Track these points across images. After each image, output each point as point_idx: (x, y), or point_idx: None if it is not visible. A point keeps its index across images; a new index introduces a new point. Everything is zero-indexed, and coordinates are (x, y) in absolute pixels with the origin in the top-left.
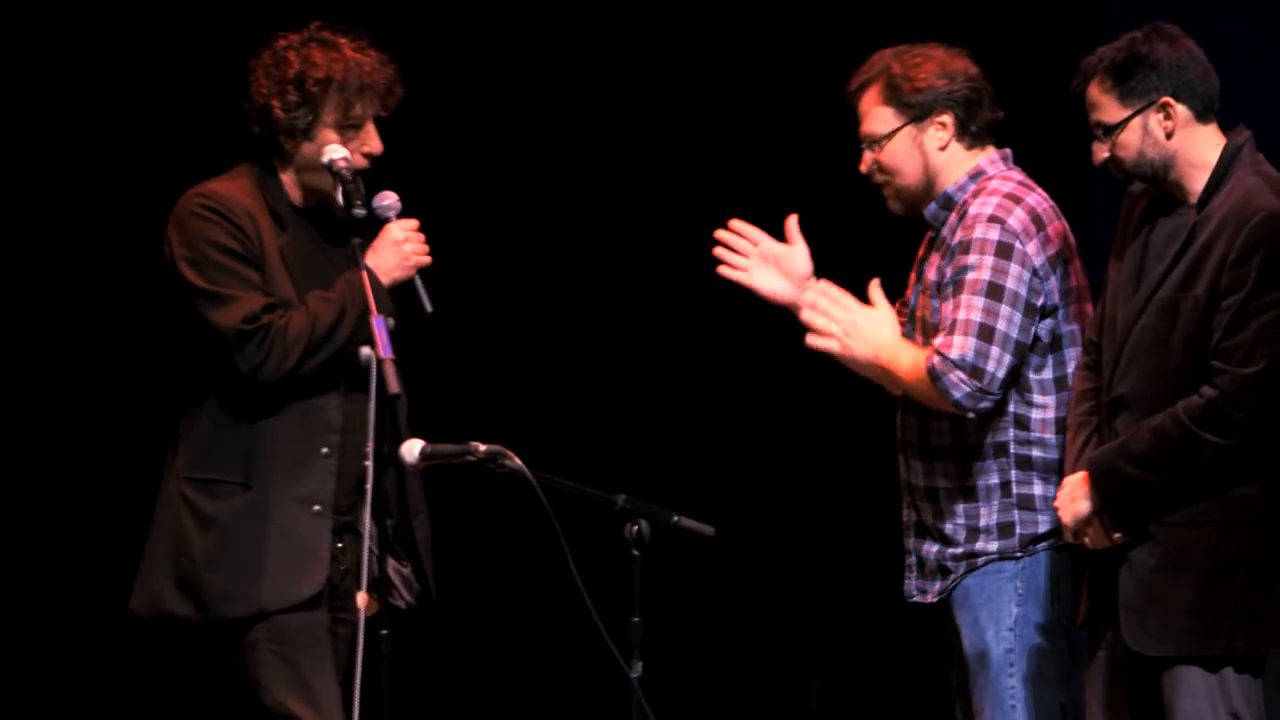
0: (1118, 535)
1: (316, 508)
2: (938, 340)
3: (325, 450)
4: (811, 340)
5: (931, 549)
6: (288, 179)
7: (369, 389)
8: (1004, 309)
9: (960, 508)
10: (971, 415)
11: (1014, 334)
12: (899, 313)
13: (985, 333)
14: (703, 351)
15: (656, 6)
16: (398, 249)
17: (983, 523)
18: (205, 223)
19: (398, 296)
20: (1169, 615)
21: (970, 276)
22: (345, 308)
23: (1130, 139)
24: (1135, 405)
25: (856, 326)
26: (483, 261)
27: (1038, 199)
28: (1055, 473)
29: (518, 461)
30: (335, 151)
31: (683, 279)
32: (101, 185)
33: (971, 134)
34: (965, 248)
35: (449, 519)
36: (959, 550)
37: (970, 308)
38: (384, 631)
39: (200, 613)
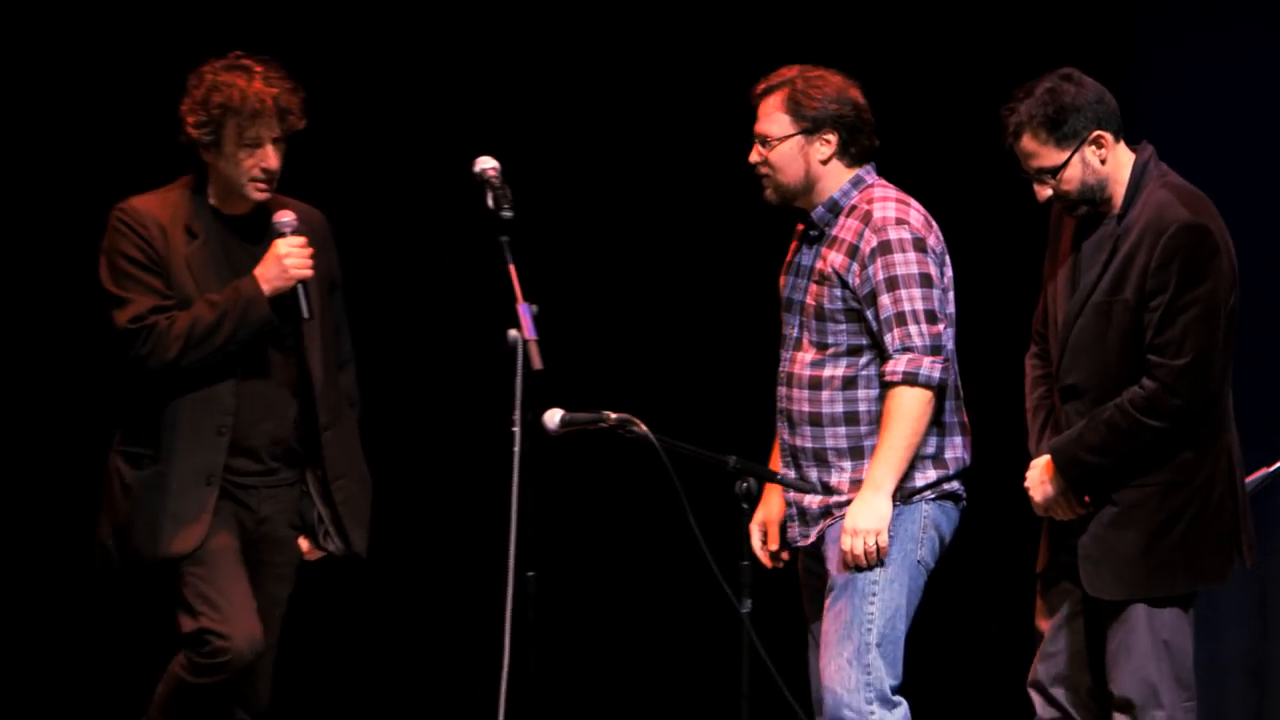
0: (1081, 510)
1: (209, 477)
2: (889, 336)
3: (221, 429)
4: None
5: (814, 500)
6: (213, 188)
7: (517, 367)
8: (935, 293)
9: (848, 464)
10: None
11: (944, 310)
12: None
13: (931, 316)
14: None
15: (667, 8)
16: (279, 263)
17: (866, 475)
18: (118, 234)
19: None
20: (1120, 564)
21: (902, 273)
22: (226, 311)
23: (1073, 174)
24: (1085, 393)
25: (857, 519)
26: (607, 252)
27: (917, 204)
28: (932, 434)
29: (644, 428)
30: (485, 162)
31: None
32: (54, 194)
33: (850, 154)
34: (887, 248)
35: (584, 479)
36: (844, 498)
37: (912, 299)
38: (530, 573)
39: (126, 562)
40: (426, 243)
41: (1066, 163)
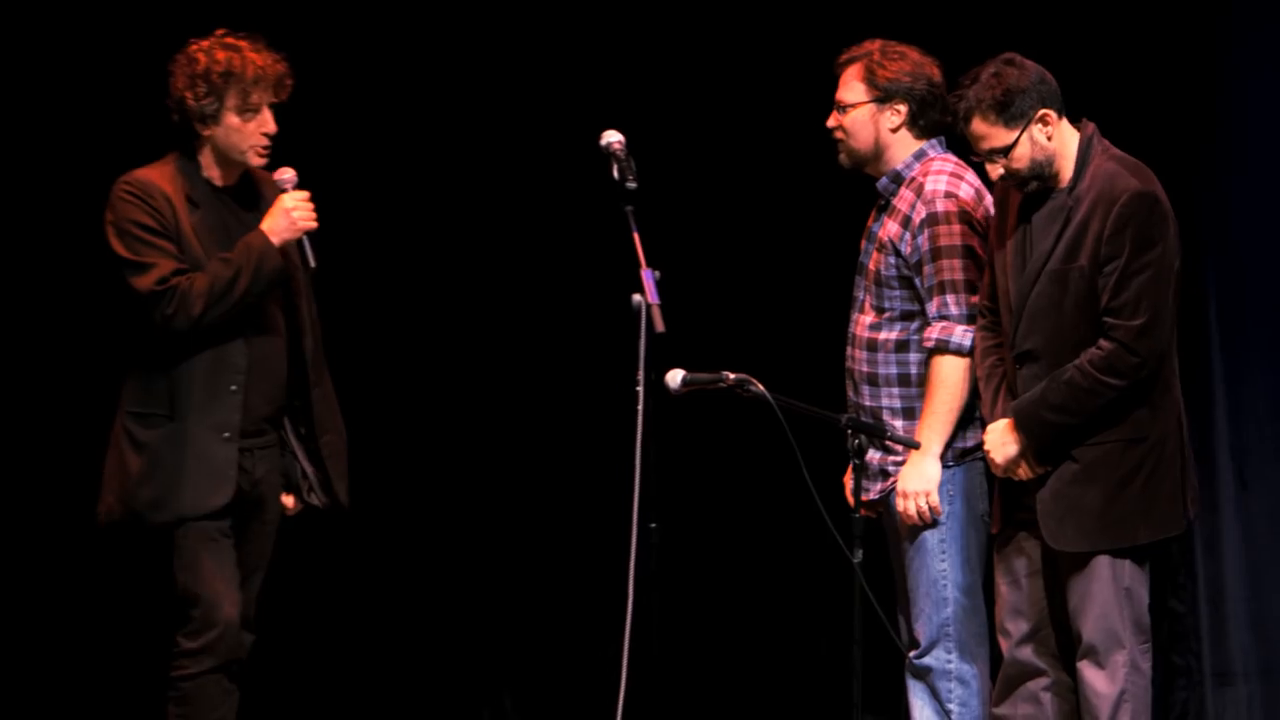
0: (1040, 470)
1: (226, 434)
2: (930, 304)
3: (234, 387)
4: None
5: (875, 456)
6: (206, 161)
7: (640, 330)
8: (974, 264)
9: (900, 424)
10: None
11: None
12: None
13: (970, 286)
14: None
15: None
16: (287, 215)
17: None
18: (127, 204)
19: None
20: (1083, 519)
21: (945, 244)
22: (241, 266)
23: (1022, 153)
24: (1041, 358)
25: (906, 482)
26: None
27: (972, 177)
28: (979, 397)
29: (761, 387)
30: (611, 136)
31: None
32: (53, 180)
33: (920, 126)
34: (934, 219)
35: (705, 436)
36: (899, 458)
37: (953, 269)
38: (653, 524)
39: (136, 520)
40: (558, 213)
41: (1016, 142)
